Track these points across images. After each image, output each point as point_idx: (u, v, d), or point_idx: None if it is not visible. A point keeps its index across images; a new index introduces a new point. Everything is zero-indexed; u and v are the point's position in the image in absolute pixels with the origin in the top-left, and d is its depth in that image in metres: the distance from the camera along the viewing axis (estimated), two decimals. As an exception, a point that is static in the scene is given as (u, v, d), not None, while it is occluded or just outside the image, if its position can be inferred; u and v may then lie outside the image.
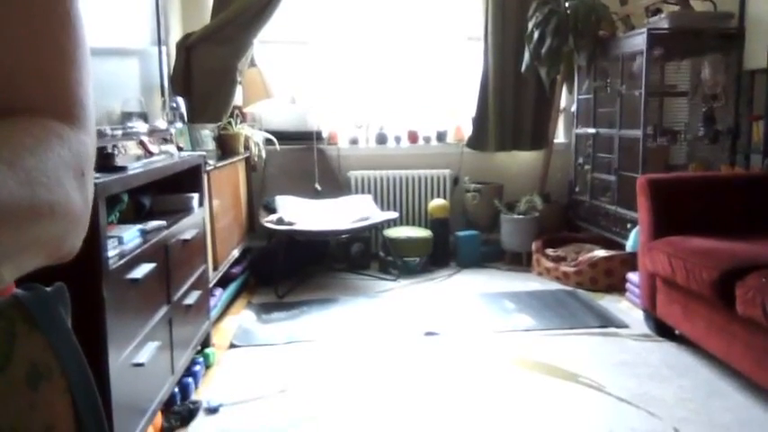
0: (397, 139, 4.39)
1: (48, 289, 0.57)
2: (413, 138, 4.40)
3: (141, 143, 2.31)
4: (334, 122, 4.35)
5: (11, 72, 0.46)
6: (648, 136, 3.41)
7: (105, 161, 1.79)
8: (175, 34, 3.84)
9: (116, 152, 1.92)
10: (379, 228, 3.87)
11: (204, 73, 3.74)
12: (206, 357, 2.53)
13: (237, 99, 3.92)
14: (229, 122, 3.76)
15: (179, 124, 2.90)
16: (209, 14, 3.91)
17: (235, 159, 3.58)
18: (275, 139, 3.99)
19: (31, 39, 0.47)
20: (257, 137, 3.89)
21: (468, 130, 4.39)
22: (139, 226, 1.91)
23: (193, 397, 2.26)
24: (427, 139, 4.42)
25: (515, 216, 4.06)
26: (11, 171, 0.39)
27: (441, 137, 4.43)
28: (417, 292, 3.56)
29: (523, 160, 4.49)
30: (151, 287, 1.89)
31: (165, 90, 3.44)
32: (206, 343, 2.61)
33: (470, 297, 3.45)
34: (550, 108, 4.28)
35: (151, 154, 2.28)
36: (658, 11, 3.53)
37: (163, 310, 1.99)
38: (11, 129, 0.43)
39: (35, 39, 0.47)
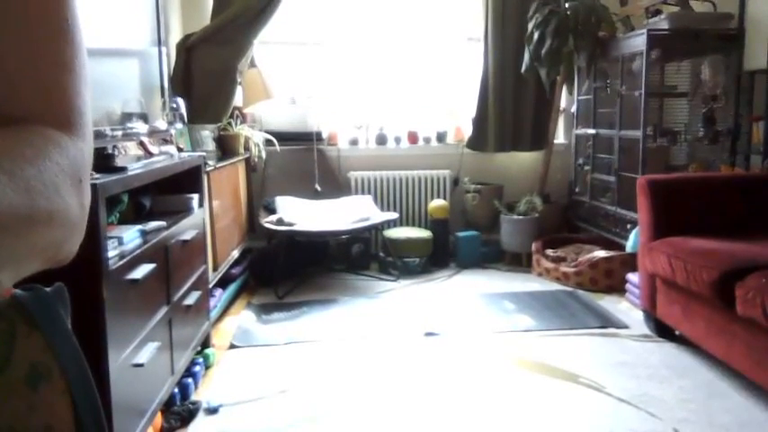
0: (397, 140, 4.39)
1: (47, 289, 0.58)
2: (413, 138, 4.40)
3: (141, 144, 2.31)
4: (333, 123, 4.35)
5: (9, 80, 0.47)
6: (648, 136, 3.41)
7: (105, 162, 1.79)
8: (175, 35, 3.84)
9: (116, 153, 1.92)
10: (379, 228, 3.87)
11: (204, 74, 3.74)
12: (206, 358, 2.53)
13: (237, 100, 3.92)
14: (229, 123, 3.76)
15: (179, 125, 2.90)
16: (209, 15, 3.91)
17: (235, 160, 3.58)
18: (275, 140, 3.99)
19: (29, 48, 0.47)
20: (257, 137, 3.89)
21: (467, 131, 4.39)
22: (139, 226, 1.91)
23: (193, 397, 2.26)
24: (427, 140, 4.42)
25: (515, 217, 4.06)
26: (11, 181, 0.40)
27: (441, 137, 4.43)
28: (417, 293, 3.56)
29: (523, 161, 4.49)
30: (151, 288, 1.89)
31: (164, 91, 3.44)
32: (206, 343, 2.61)
33: (470, 297, 3.45)
34: (550, 109, 4.28)
35: (151, 154, 2.28)
36: (658, 12, 3.53)
37: (163, 311, 1.99)
38: (11, 138, 0.44)
39: (33, 48, 0.48)
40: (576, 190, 4.29)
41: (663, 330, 2.76)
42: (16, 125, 0.46)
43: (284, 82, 4.23)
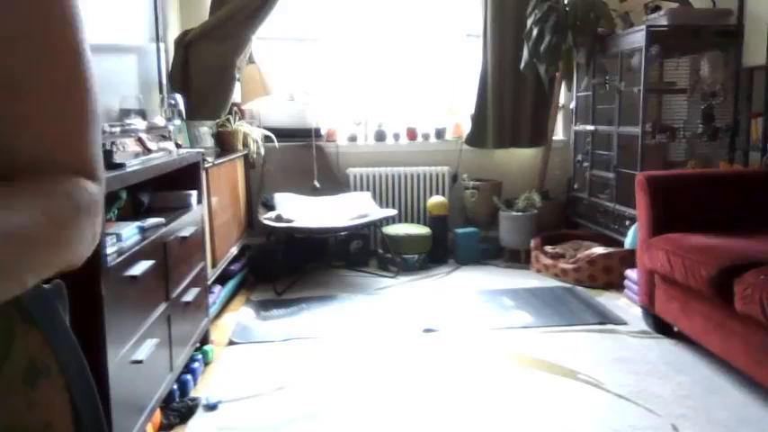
0: (396, 137, 4.39)
1: (46, 287, 0.57)
2: (411, 135, 4.40)
3: (139, 140, 2.30)
4: (332, 119, 4.34)
5: (41, 138, 0.54)
6: (647, 133, 3.41)
7: (103, 158, 1.79)
8: (174, 31, 3.83)
9: (114, 149, 1.91)
10: (377, 225, 3.87)
11: (202, 70, 3.74)
12: (205, 354, 2.53)
13: (236, 96, 3.91)
14: (228, 119, 3.76)
15: (177, 121, 2.90)
16: (208, 11, 3.90)
17: (233, 156, 3.57)
18: (274, 136, 3.98)
19: (56, 108, 0.55)
20: (256, 134, 3.88)
21: (466, 128, 4.39)
22: (138, 223, 1.91)
23: (192, 394, 2.26)
24: (426, 137, 4.42)
25: (514, 213, 4.06)
26: (52, 225, 0.50)
27: (439, 134, 4.43)
28: (416, 290, 3.56)
29: (522, 157, 4.49)
30: (150, 284, 1.89)
31: (163, 87, 3.44)
32: (205, 340, 2.61)
33: (469, 294, 3.45)
34: (549, 105, 4.28)
35: (149, 151, 2.27)
36: (657, 8, 3.53)
37: (161, 308, 1.99)
38: (54, 191, 0.53)
39: (62, 107, 0.55)
40: (575, 186, 4.29)
41: (661, 327, 2.76)
42: (52, 174, 0.54)
43: (283, 78, 4.23)
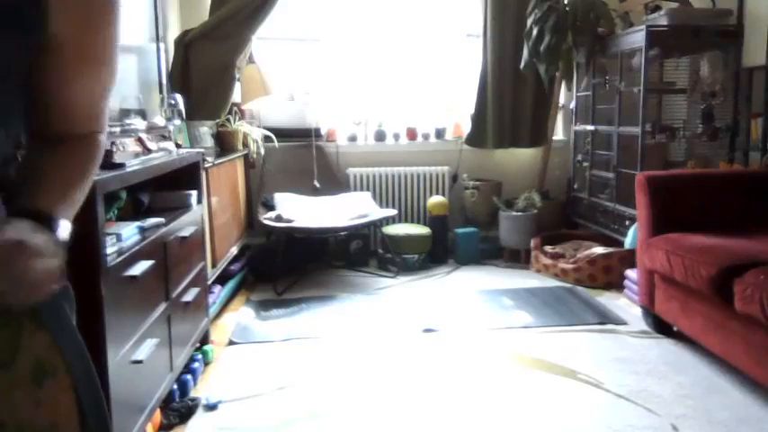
0: (396, 137, 4.39)
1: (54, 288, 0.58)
2: (411, 135, 4.40)
3: (139, 140, 2.30)
4: (332, 119, 4.34)
5: (80, 112, 0.76)
6: (647, 133, 3.41)
7: (103, 158, 1.79)
8: (174, 31, 3.83)
9: (114, 149, 1.91)
10: (377, 225, 3.87)
11: (202, 70, 3.74)
12: (205, 354, 2.53)
13: (236, 96, 3.91)
14: (228, 119, 3.76)
15: (177, 121, 2.89)
16: (208, 11, 3.90)
17: (233, 156, 3.57)
18: (274, 136, 3.98)
19: (92, 89, 0.76)
20: (256, 134, 3.88)
21: (466, 127, 4.39)
22: (138, 223, 1.91)
23: (192, 394, 2.26)
24: (426, 136, 4.42)
25: (514, 213, 4.06)
26: (85, 188, 0.78)
27: (439, 134, 4.43)
28: (416, 289, 3.56)
29: (522, 157, 4.49)
30: (150, 284, 1.89)
31: (163, 87, 3.44)
32: (204, 340, 2.60)
33: (469, 294, 3.45)
34: (549, 105, 4.28)
35: (149, 151, 2.27)
36: (657, 8, 3.53)
37: (161, 308, 1.99)
38: (81, 152, 0.78)
39: (94, 89, 0.76)
40: (575, 186, 4.29)
41: (661, 326, 2.76)
42: (82, 141, 0.78)
43: (283, 78, 4.23)
